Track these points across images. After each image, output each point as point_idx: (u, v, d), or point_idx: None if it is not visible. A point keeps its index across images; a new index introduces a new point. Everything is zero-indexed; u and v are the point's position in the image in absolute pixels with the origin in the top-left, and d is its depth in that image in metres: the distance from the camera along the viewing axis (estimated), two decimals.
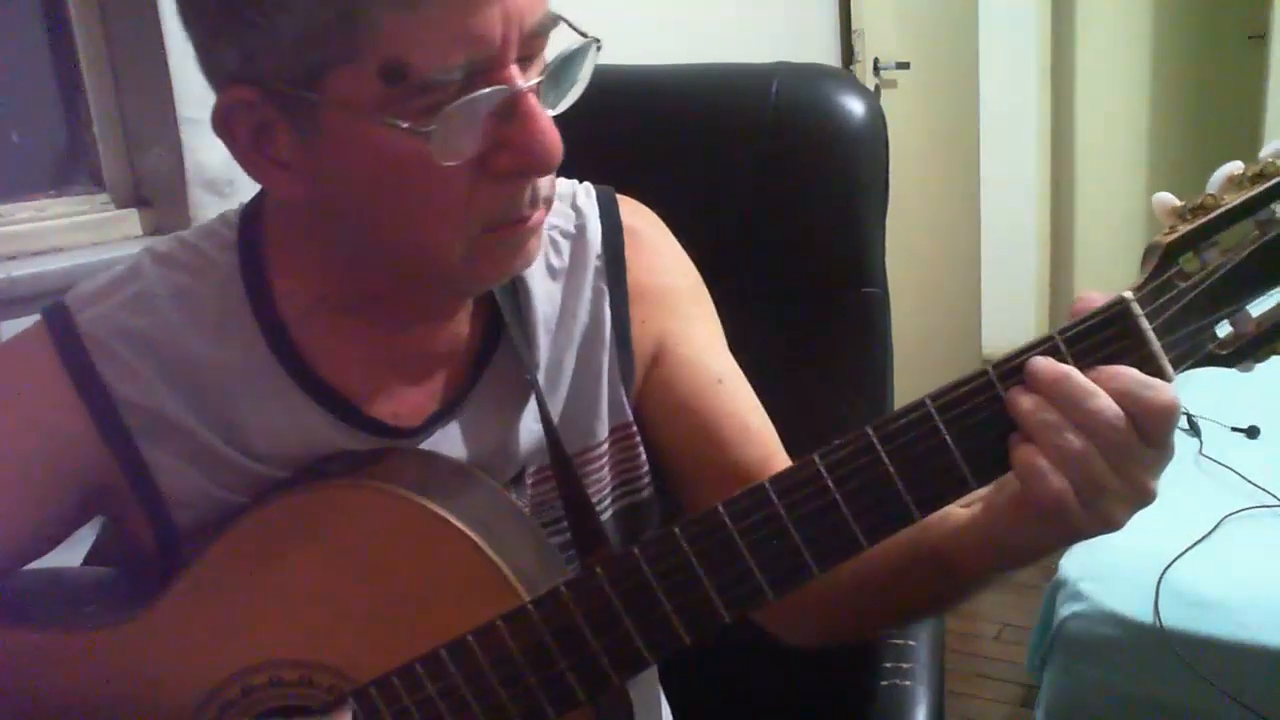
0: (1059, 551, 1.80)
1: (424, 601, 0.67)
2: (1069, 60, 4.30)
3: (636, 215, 0.83)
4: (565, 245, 0.80)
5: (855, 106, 1.03)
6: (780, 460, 0.80)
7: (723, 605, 0.63)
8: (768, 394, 0.85)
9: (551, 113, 0.63)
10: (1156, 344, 0.57)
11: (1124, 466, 0.57)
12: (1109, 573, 1.62)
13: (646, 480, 0.83)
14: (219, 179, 1.37)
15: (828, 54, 2.77)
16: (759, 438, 0.81)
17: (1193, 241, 0.58)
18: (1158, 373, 0.57)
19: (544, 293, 0.78)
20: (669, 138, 1.07)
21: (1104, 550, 1.71)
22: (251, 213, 0.75)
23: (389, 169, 0.62)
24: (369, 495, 0.68)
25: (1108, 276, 4.43)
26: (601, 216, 0.81)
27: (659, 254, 0.83)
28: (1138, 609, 1.53)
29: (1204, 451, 1.91)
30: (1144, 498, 0.59)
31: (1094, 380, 0.57)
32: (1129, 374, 0.57)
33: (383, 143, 0.60)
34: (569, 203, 0.81)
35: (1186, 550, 1.59)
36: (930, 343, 3.07)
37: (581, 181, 0.83)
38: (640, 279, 0.81)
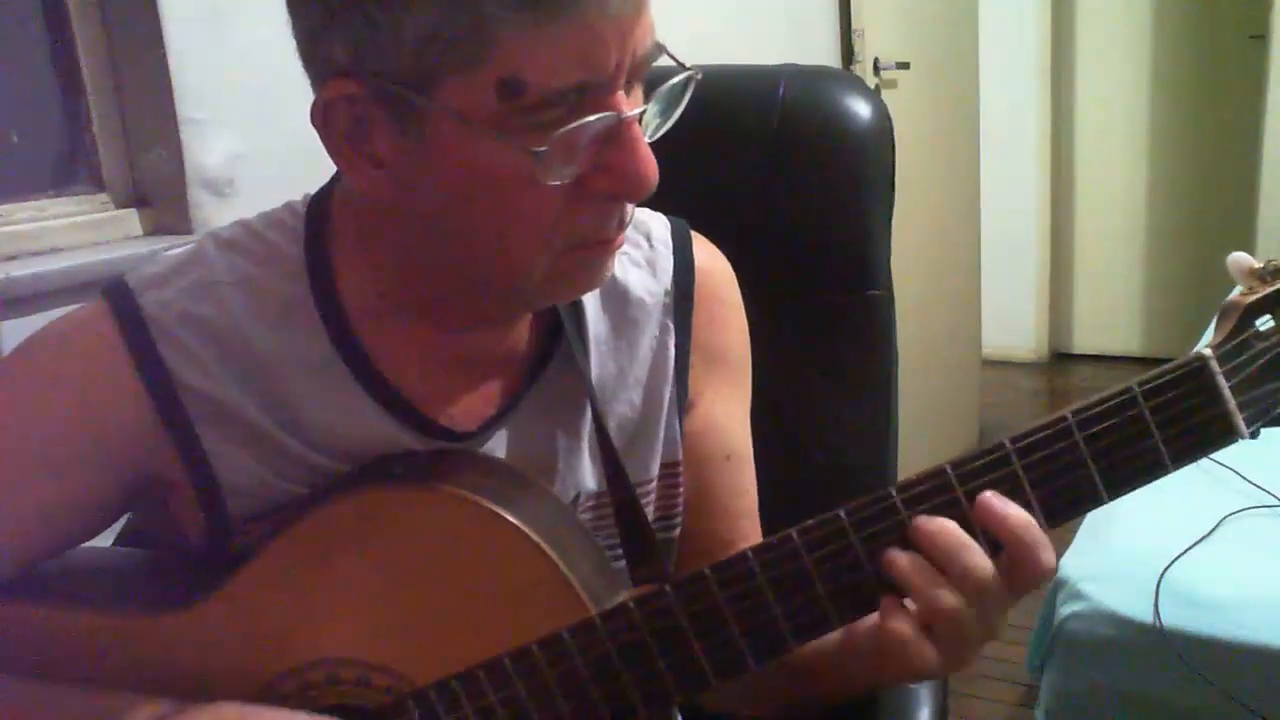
0: (1059, 552, 1.80)
1: (488, 608, 0.67)
2: (1069, 60, 4.31)
3: (710, 259, 0.84)
4: (634, 274, 0.80)
5: (862, 109, 1.03)
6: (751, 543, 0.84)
7: (790, 632, 0.64)
8: (773, 395, 0.85)
9: (648, 140, 0.64)
10: (1232, 402, 0.59)
11: (988, 615, 0.62)
12: (1109, 573, 1.62)
13: (679, 520, 0.83)
14: (219, 179, 1.37)
15: (828, 54, 2.77)
16: (737, 520, 0.83)
17: (1271, 304, 0.59)
18: (1231, 430, 0.59)
19: (595, 312, 0.79)
20: (675, 139, 1.07)
21: (1104, 550, 1.71)
22: (319, 206, 0.74)
23: (489, 181, 0.62)
24: (437, 498, 0.68)
25: (1108, 277, 4.43)
26: (674, 252, 0.81)
27: (726, 307, 0.84)
28: (1138, 609, 1.53)
29: None
30: (993, 637, 0.64)
31: (988, 525, 0.61)
32: (1026, 527, 0.61)
33: (488, 155, 0.60)
34: (644, 232, 0.81)
35: (1186, 550, 1.59)
36: (930, 343, 3.07)
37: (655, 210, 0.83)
38: (701, 328, 0.81)
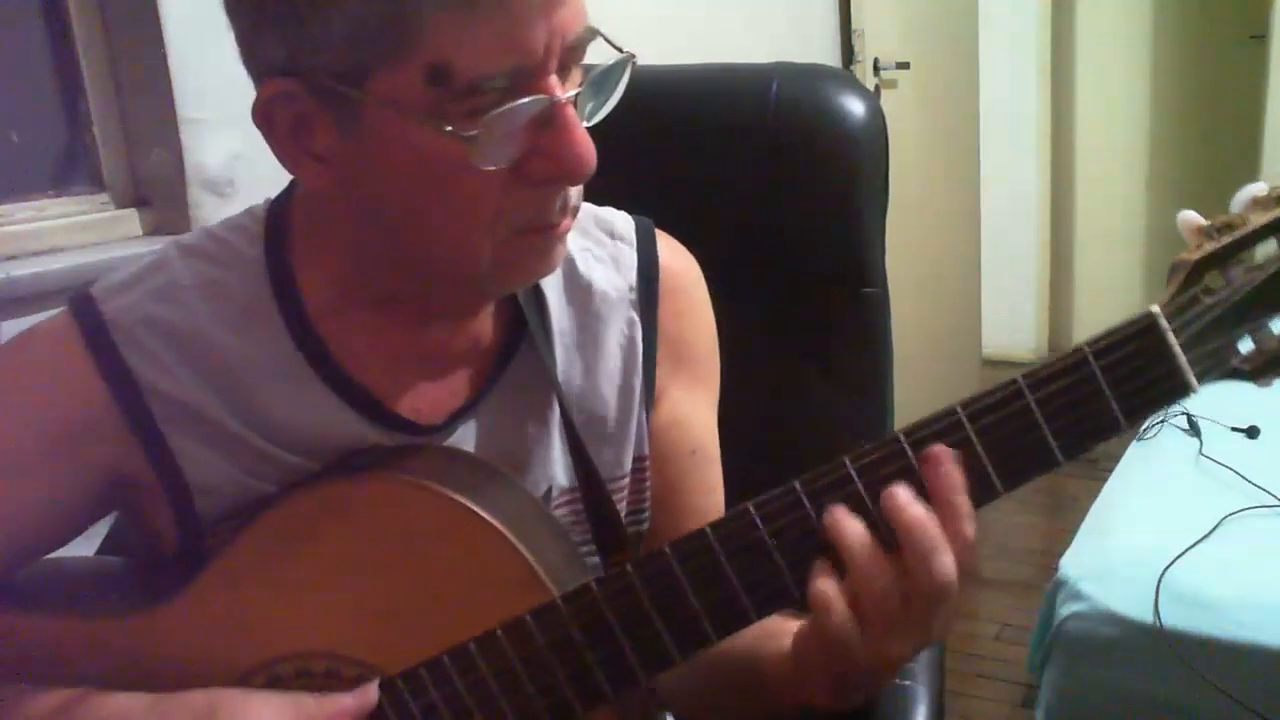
0: (1059, 551, 1.80)
1: (453, 596, 0.68)
2: (1069, 60, 4.31)
3: (675, 255, 0.84)
4: (597, 270, 0.80)
5: (855, 106, 1.03)
6: None
7: (751, 605, 0.64)
8: (767, 394, 0.85)
9: (586, 124, 0.64)
10: (1182, 357, 0.59)
11: (894, 618, 0.61)
12: (1109, 573, 1.63)
13: (646, 514, 0.84)
14: (219, 179, 1.37)
15: (828, 54, 2.77)
16: (703, 518, 0.83)
17: (1219, 259, 0.60)
18: (1183, 385, 0.59)
19: (560, 307, 0.79)
20: (669, 138, 1.07)
21: (1104, 550, 1.71)
22: (279, 207, 0.75)
23: (427, 169, 0.62)
24: (399, 488, 0.68)
25: (1108, 276, 4.43)
26: (638, 247, 0.82)
27: (691, 303, 0.84)
28: (1138, 609, 1.54)
29: (1204, 451, 1.91)
30: (924, 643, 0.63)
31: (893, 522, 0.61)
32: (919, 526, 0.60)
33: (423, 143, 0.61)
34: (606, 229, 0.82)
35: (1186, 550, 1.60)
36: (930, 343, 3.07)
37: (610, 206, 0.83)
38: (667, 322, 0.82)
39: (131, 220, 1.37)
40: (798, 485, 0.63)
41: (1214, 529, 1.65)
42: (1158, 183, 4.28)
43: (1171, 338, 0.59)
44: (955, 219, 3.39)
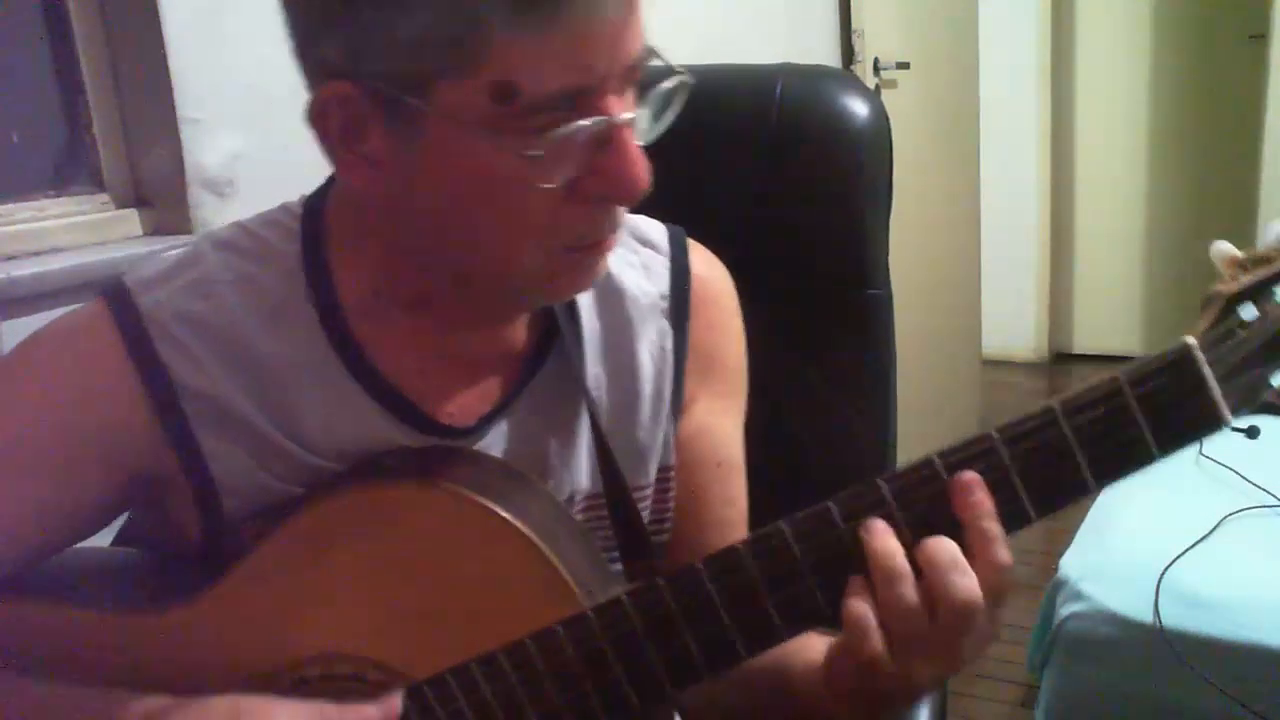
0: (1059, 551, 1.80)
1: (483, 603, 0.67)
2: (1069, 60, 4.31)
3: (708, 265, 0.84)
4: (629, 276, 0.80)
5: (860, 108, 1.03)
6: None
7: (783, 623, 0.64)
8: (771, 396, 0.85)
9: (640, 143, 0.64)
10: (1217, 390, 0.59)
11: (919, 644, 0.61)
12: (1109, 573, 1.62)
13: (669, 524, 0.83)
14: (219, 179, 1.37)
15: (828, 54, 2.77)
16: (726, 529, 0.83)
17: (1253, 293, 0.60)
18: (1217, 418, 0.60)
19: (591, 313, 0.79)
20: (673, 138, 1.07)
21: (1104, 550, 1.71)
22: (315, 205, 0.75)
23: (484, 184, 0.62)
24: (430, 493, 0.68)
25: (1108, 276, 4.43)
26: (671, 257, 0.82)
27: (723, 314, 0.84)
28: (1138, 609, 1.53)
29: (1204, 451, 1.91)
30: (953, 669, 0.63)
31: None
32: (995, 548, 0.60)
33: (482, 158, 0.61)
34: (639, 236, 0.82)
35: (1186, 550, 1.59)
36: (930, 343, 3.07)
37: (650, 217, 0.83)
38: (698, 333, 0.82)
39: (131, 220, 1.37)
40: (831, 505, 0.63)
41: (1214, 529, 1.65)
42: (1158, 183, 4.28)
43: (1207, 370, 0.59)
44: (955, 219, 3.39)
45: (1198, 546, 1.61)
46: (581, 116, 0.60)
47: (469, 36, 0.57)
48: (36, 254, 1.26)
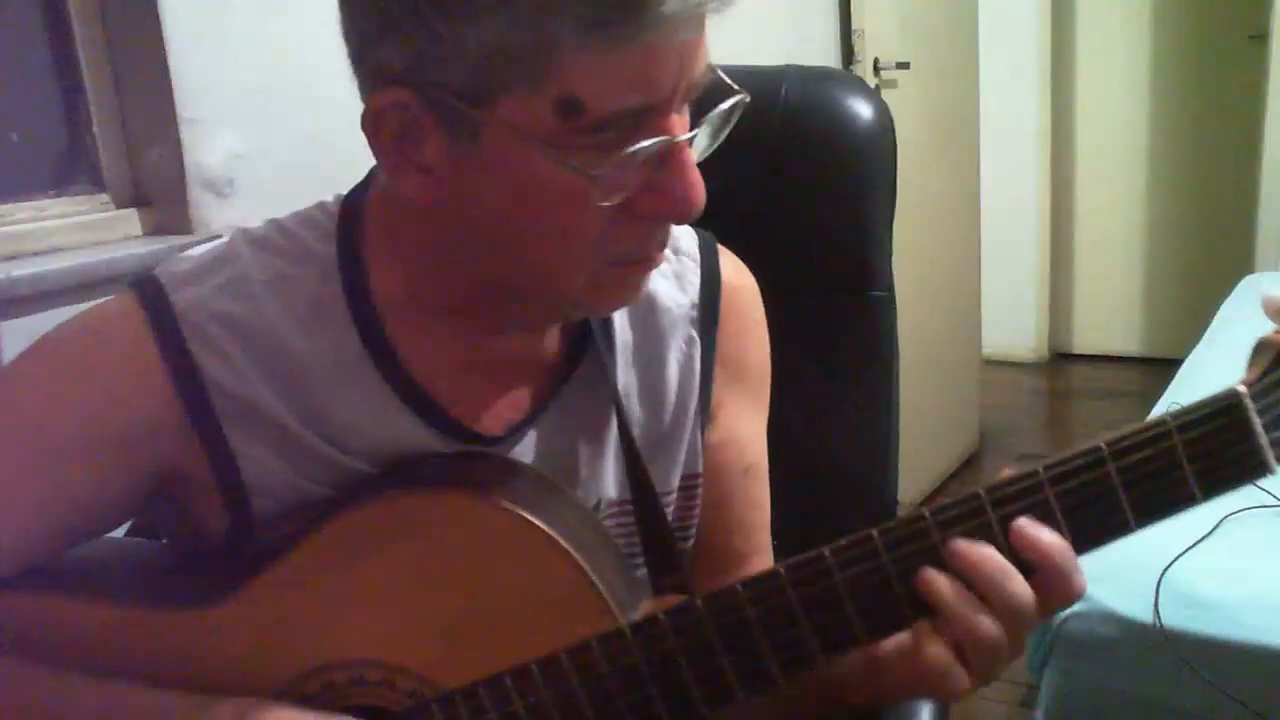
0: None
1: (514, 612, 0.67)
2: (1069, 60, 4.31)
3: (737, 273, 0.84)
4: (662, 285, 0.80)
5: (863, 110, 1.03)
6: (763, 559, 0.84)
7: (819, 648, 0.64)
8: (774, 396, 0.85)
9: (695, 159, 0.64)
10: (1264, 438, 0.60)
11: (1019, 636, 0.63)
12: (1109, 573, 1.62)
13: (694, 531, 0.83)
14: (219, 179, 1.37)
15: (828, 54, 2.77)
16: (751, 533, 0.84)
17: None
18: (1262, 465, 0.60)
19: (623, 322, 0.79)
20: None
21: (1104, 550, 1.71)
22: (352, 206, 0.74)
23: (540, 197, 0.62)
24: (465, 501, 0.68)
25: (1108, 277, 4.43)
26: (702, 264, 0.82)
27: (750, 322, 0.84)
28: (1138, 609, 1.53)
29: None
30: (1019, 655, 0.64)
31: (1023, 550, 0.61)
32: (1061, 551, 0.61)
33: (542, 172, 0.60)
34: (672, 245, 0.81)
35: (1186, 550, 1.59)
36: (930, 343, 3.07)
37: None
38: (726, 342, 0.82)
39: (131, 220, 1.37)
40: (875, 534, 0.62)
41: (1214, 529, 1.65)
42: (1158, 183, 4.28)
43: (1255, 418, 0.60)
44: (955, 219, 3.39)
45: (1198, 546, 1.60)
46: (644, 135, 0.60)
47: (538, 51, 0.57)
48: (36, 254, 1.26)
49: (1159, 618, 1.50)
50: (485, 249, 0.67)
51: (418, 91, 0.60)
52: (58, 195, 1.33)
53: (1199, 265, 4.13)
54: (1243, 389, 0.60)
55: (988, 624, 0.61)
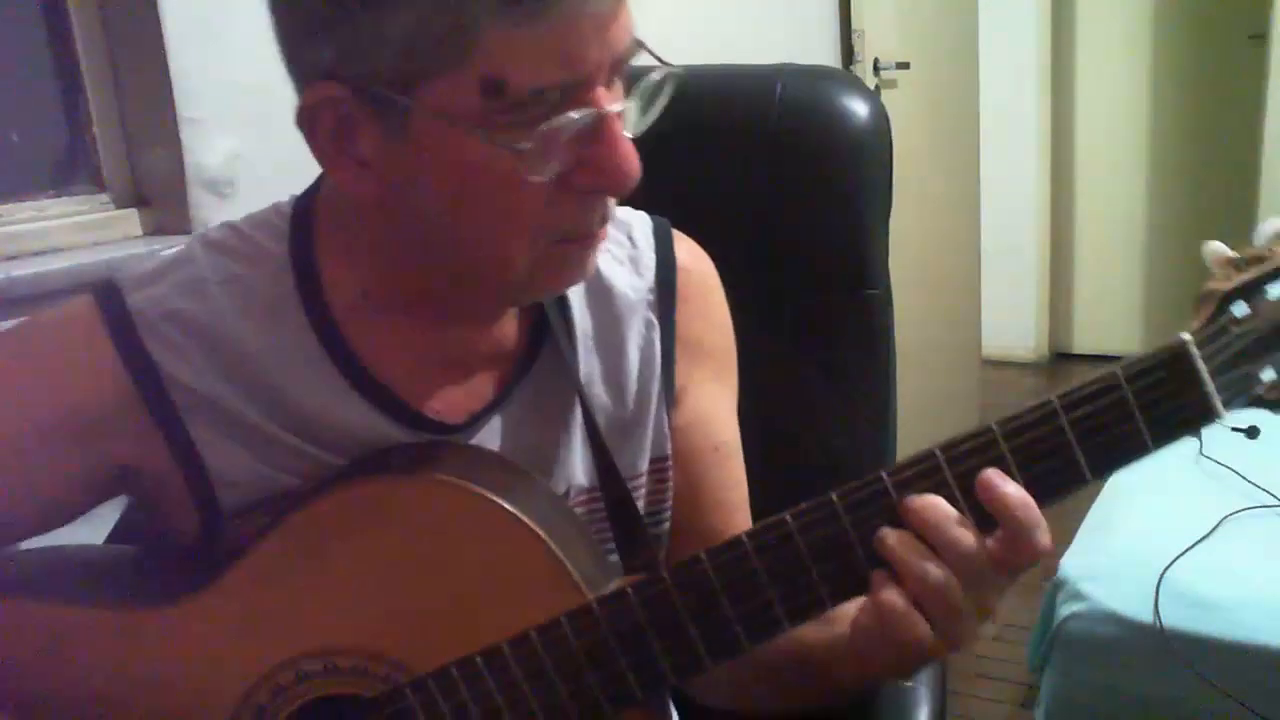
0: (1059, 551, 1.80)
1: (486, 596, 0.68)
2: (1069, 60, 4.31)
3: (693, 257, 0.84)
4: (618, 271, 0.80)
5: (860, 108, 1.03)
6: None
7: (784, 614, 0.64)
8: (771, 396, 0.85)
9: (629, 135, 0.64)
10: (1211, 384, 0.61)
11: (979, 592, 0.63)
12: (1109, 573, 1.63)
13: (668, 515, 0.84)
14: (219, 179, 1.37)
15: (828, 54, 2.77)
16: (729, 512, 0.84)
17: (1247, 291, 0.63)
18: (1211, 411, 0.61)
19: (581, 309, 0.79)
20: (673, 138, 1.07)
21: (1104, 550, 1.71)
22: (305, 204, 0.75)
23: (474, 179, 0.63)
24: (432, 487, 0.68)
25: (1108, 276, 4.43)
26: (656, 249, 0.82)
27: (708, 304, 0.84)
28: (1138, 609, 1.53)
29: (1204, 451, 1.91)
30: (989, 616, 0.65)
31: (987, 501, 0.62)
32: (1023, 504, 0.62)
33: (472, 154, 0.61)
34: (625, 231, 0.82)
35: (1186, 550, 1.59)
36: (930, 343, 3.07)
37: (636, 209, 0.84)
38: (685, 323, 0.82)
39: (131, 220, 1.37)
40: (834, 497, 0.63)
41: (1214, 529, 1.65)
42: (1158, 183, 4.28)
43: (1202, 365, 0.61)
44: (955, 219, 3.39)
45: (1198, 546, 1.61)
46: (571, 109, 0.61)
47: (457, 32, 0.57)
48: (36, 254, 1.26)
49: (1159, 618, 1.50)
50: (429, 237, 0.68)
51: (348, 84, 0.61)
52: (58, 195, 1.33)
53: (1199, 265, 4.11)
54: (1188, 337, 0.62)
55: (935, 570, 0.62)
